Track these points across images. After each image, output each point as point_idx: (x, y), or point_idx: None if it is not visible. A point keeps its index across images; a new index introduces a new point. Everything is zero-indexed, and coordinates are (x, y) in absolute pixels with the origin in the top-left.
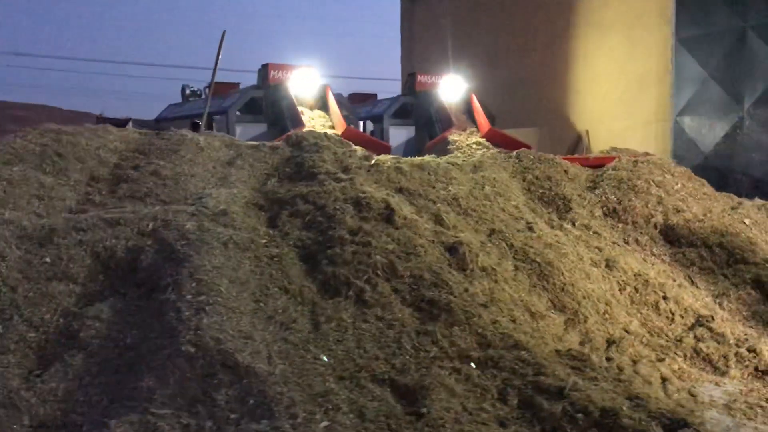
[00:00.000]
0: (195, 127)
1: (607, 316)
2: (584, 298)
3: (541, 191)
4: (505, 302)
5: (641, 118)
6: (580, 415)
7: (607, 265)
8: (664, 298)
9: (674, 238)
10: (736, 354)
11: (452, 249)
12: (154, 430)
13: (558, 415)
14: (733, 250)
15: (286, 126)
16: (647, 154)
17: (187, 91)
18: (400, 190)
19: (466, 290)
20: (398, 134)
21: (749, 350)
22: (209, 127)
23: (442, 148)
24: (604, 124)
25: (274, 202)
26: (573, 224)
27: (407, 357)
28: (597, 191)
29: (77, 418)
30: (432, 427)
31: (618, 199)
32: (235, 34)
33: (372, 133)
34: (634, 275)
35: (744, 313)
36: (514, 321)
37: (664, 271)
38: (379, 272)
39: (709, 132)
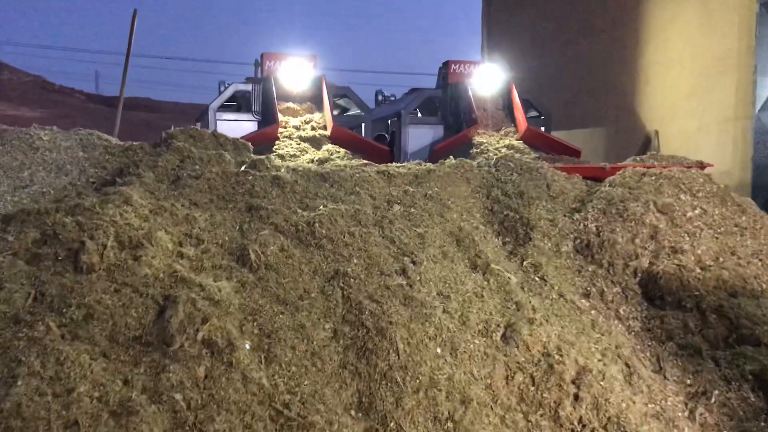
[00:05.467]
0: (380, 139)
1: (451, 424)
2: (416, 392)
3: (504, 213)
4: (151, 413)
5: (717, 115)
6: None
7: (503, 335)
8: (576, 397)
9: (656, 294)
10: None
11: (162, 311)
12: None
13: None
14: (739, 321)
15: (270, 123)
16: (701, 164)
17: (380, 97)
18: (249, 209)
19: (70, 392)
20: (420, 135)
21: None
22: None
23: (464, 152)
24: (676, 122)
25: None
26: (521, 262)
27: None
28: (578, 216)
29: None
30: None
31: (597, 229)
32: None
33: (383, 135)
34: (542, 355)
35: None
36: None
37: (617, 347)
38: None
39: None
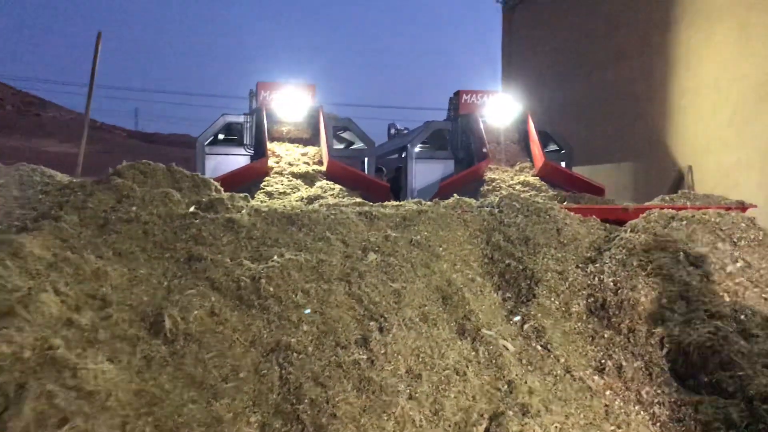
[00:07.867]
0: (379, 172)
1: None
2: None
3: (506, 262)
4: None
5: (759, 147)
6: None
7: (486, 431)
8: None
9: (688, 371)
10: None
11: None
12: None
13: None
14: None
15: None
16: (742, 204)
17: (392, 131)
18: (189, 260)
19: None
20: (429, 170)
21: None
22: None
23: (474, 189)
24: (712, 155)
25: None
26: (522, 325)
27: None
28: (592, 267)
29: None
30: None
31: (615, 285)
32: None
33: (381, 168)
34: None
35: None
36: None
37: None
38: None
39: None
